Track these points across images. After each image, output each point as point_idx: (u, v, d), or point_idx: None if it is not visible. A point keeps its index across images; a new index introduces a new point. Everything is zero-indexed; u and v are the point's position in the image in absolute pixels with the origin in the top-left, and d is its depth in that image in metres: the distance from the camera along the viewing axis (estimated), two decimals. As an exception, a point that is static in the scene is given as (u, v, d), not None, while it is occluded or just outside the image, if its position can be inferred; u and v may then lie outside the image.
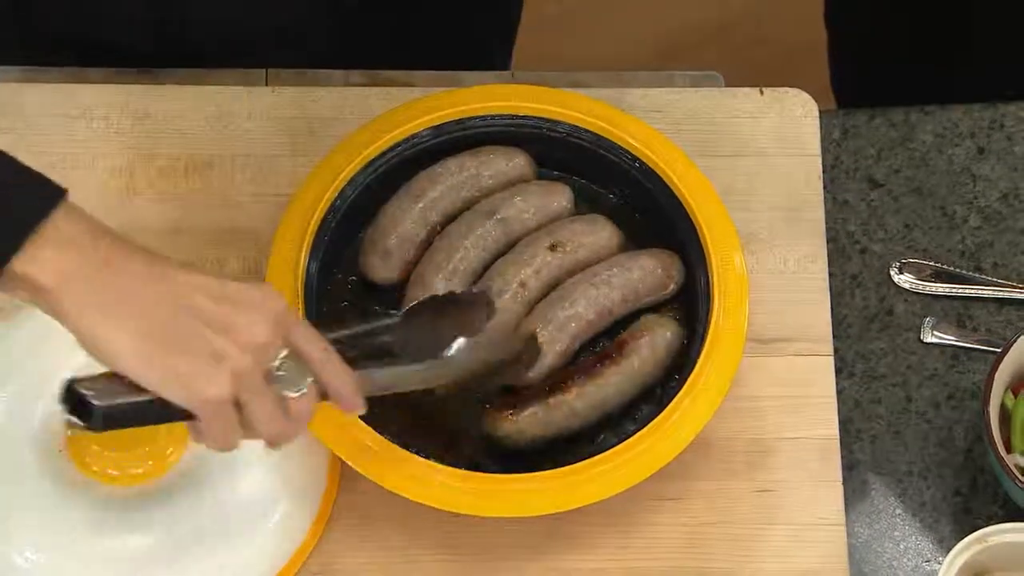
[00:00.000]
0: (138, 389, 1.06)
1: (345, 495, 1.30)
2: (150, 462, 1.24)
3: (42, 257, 1.02)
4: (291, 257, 1.32)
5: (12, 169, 1.04)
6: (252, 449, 1.25)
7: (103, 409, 1.06)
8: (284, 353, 1.09)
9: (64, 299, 1.03)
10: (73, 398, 1.07)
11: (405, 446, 1.26)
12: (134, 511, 1.23)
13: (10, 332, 1.28)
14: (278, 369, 1.09)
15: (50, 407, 1.25)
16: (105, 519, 1.23)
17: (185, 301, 1.06)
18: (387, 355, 1.21)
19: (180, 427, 1.23)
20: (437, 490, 1.25)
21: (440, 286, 1.32)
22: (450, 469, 1.25)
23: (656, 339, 1.30)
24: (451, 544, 1.29)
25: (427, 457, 1.26)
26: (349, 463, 1.26)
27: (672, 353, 1.31)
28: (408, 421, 1.29)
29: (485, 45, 1.68)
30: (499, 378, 1.28)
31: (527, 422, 1.28)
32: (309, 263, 1.32)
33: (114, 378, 1.07)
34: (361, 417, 1.25)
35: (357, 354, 1.15)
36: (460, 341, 1.22)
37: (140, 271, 1.05)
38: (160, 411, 1.07)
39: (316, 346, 1.11)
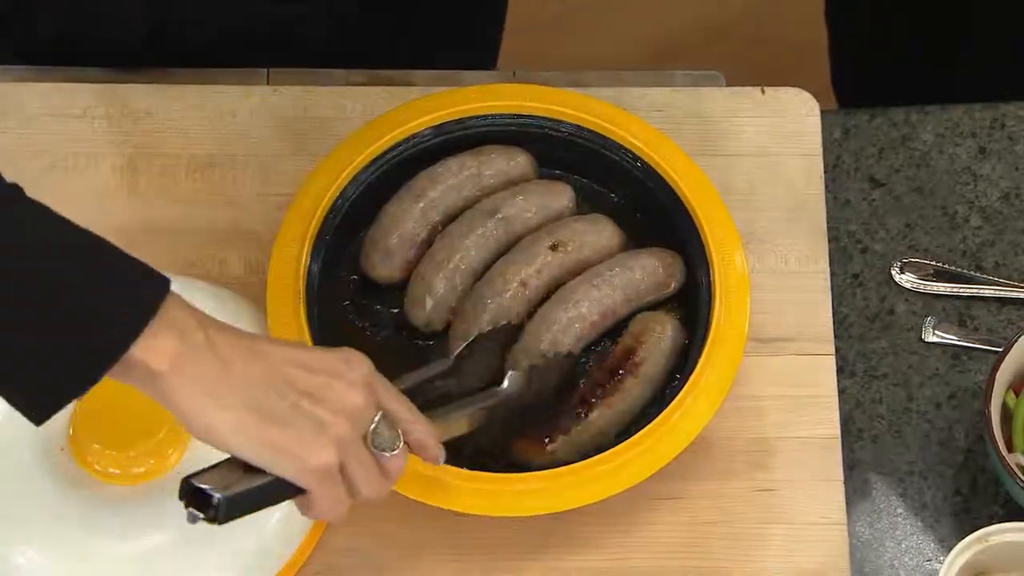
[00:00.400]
0: (252, 473, 1.09)
1: (346, 494, 1.30)
2: (151, 461, 1.24)
3: (156, 345, 1.04)
4: (292, 257, 1.32)
5: (123, 259, 1.07)
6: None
7: (224, 500, 1.09)
8: (378, 417, 1.12)
9: (175, 382, 1.06)
10: (192, 493, 1.10)
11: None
12: (135, 511, 1.23)
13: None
14: (375, 431, 1.12)
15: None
16: (106, 519, 1.23)
17: (282, 376, 1.09)
18: (446, 399, 1.25)
19: (182, 427, 1.24)
20: (438, 489, 1.25)
21: (440, 285, 1.32)
22: (452, 468, 1.25)
23: (661, 339, 1.30)
24: (452, 543, 1.29)
25: (459, 457, 1.26)
26: (350, 463, 1.26)
27: (675, 350, 1.31)
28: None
29: (478, 41, 1.68)
30: (545, 399, 1.30)
31: (562, 451, 1.28)
32: (310, 263, 1.32)
33: (226, 467, 1.10)
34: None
35: (421, 403, 1.19)
36: (511, 374, 1.27)
37: (239, 351, 1.08)
38: (276, 491, 1.10)
39: (403, 406, 1.15)
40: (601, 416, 1.28)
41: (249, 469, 1.09)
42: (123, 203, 1.40)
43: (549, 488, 1.25)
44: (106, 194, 1.41)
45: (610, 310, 1.33)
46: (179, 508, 1.23)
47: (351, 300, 1.36)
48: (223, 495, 1.09)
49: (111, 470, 1.24)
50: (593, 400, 1.29)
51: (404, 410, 1.15)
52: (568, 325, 1.32)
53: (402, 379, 1.21)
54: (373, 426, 1.12)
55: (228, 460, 1.10)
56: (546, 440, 1.28)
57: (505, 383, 1.27)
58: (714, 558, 1.30)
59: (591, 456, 1.26)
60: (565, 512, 1.26)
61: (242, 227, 1.39)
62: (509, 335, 1.31)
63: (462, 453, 1.25)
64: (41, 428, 1.24)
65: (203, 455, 1.24)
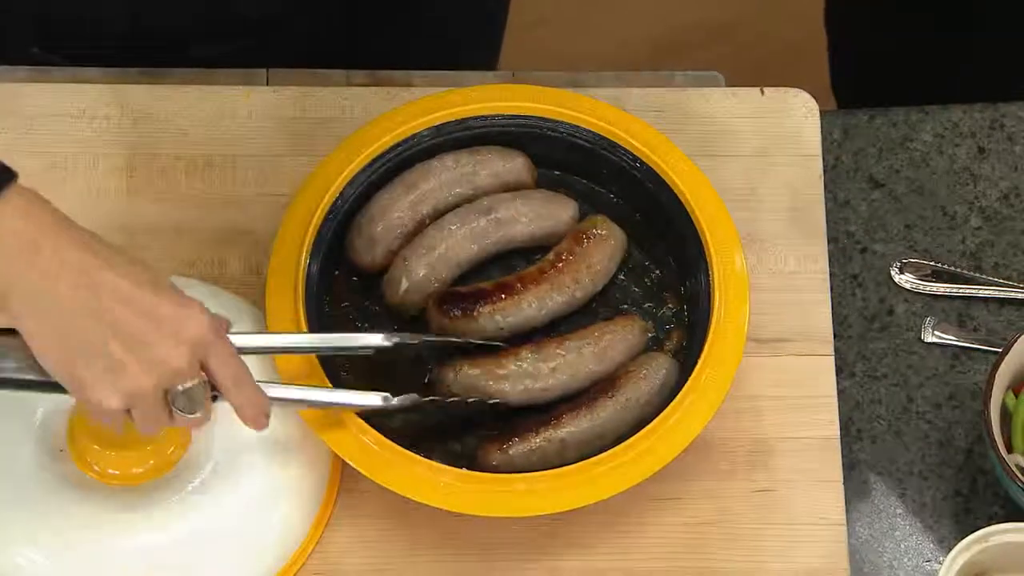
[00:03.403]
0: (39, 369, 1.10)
1: (346, 495, 1.30)
2: (151, 462, 1.24)
3: None
4: (292, 257, 1.32)
5: None
6: (253, 450, 1.26)
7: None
8: (192, 383, 1.11)
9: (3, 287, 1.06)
10: None
11: (405, 445, 1.26)
12: (135, 511, 1.23)
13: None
14: (180, 392, 1.11)
15: (52, 408, 1.25)
16: (106, 519, 1.23)
17: (105, 311, 1.07)
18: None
19: (182, 428, 1.24)
20: (438, 490, 1.25)
21: (421, 270, 1.33)
22: (451, 469, 1.25)
23: (652, 375, 1.30)
24: (452, 544, 1.29)
25: (426, 456, 1.26)
26: (351, 463, 1.26)
27: (668, 389, 1.30)
28: (403, 418, 1.30)
29: (478, 41, 1.68)
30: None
31: (519, 455, 1.27)
32: (310, 263, 1.32)
33: (23, 346, 1.09)
34: (362, 417, 1.25)
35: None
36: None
37: (72, 272, 1.06)
38: (54, 389, 1.12)
39: (229, 371, 1.13)
40: (570, 433, 1.28)
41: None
42: (123, 203, 1.40)
43: (549, 489, 1.25)
44: (106, 194, 1.41)
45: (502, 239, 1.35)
46: (180, 508, 1.24)
47: (351, 300, 1.36)
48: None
49: (110, 471, 1.24)
50: (564, 416, 1.28)
51: (229, 375, 1.13)
52: (424, 195, 1.35)
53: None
54: (181, 388, 1.11)
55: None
56: (502, 444, 1.27)
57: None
58: (713, 558, 1.30)
59: (551, 467, 1.26)
60: (565, 513, 1.26)
61: (242, 227, 1.39)
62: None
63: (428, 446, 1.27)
64: (42, 429, 1.25)
65: (203, 455, 1.25)
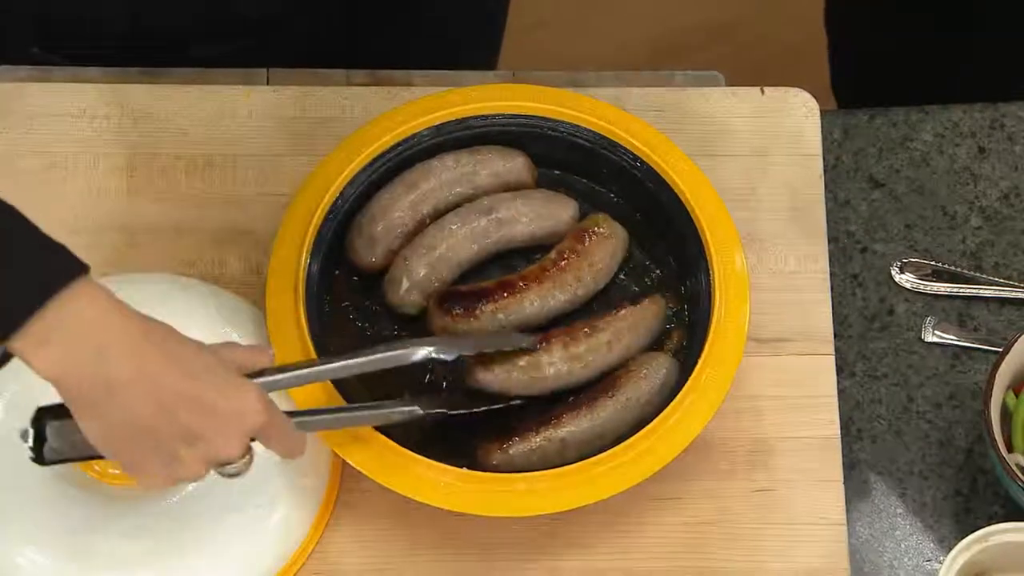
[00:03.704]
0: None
1: (346, 495, 1.30)
2: (151, 462, 1.24)
3: (41, 352, 1.03)
4: (292, 257, 1.32)
5: (31, 238, 1.04)
6: (254, 449, 1.26)
7: (54, 455, 1.13)
8: (240, 461, 1.13)
9: (57, 385, 1.06)
10: (40, 424, 1.13)
11: (405, 444, 1.26)
12: (135, 511, 1.23)
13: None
14: (231, 468, 1.14)
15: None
16: (106, 519, 1.23)
17: (166, 411, 1.08)
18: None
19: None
20: (438, 490, 1.25)
21: (421, 270, 1.33)
22: (452, 469, 1.25)
23: (652, 374, 1.30)
24: (452, 544, 1.29)
25: (427, 455, 1.26)
26: (351, 463, 1.26)
27: (668, 388, 1.30)
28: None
29: (479, 41, 1.68)
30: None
31: (519, 455, 1.27)
32: (310, 263, 1.32)
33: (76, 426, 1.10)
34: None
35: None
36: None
37: (129, 371, 1.06)
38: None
39: (279, 446, 1.15)
40: (570, 432, 1.28)
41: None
42: (123, 203, 1.40)
43: (549, 488, 1.25)
44: (106, 194, 1.41)
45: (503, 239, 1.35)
46: (180, 508, 1.24)
47: (351, 300, 1.36)
48: (56, 456, 1.13)
49: (111, 470, 1.24)
50: (564, 415, 1.28)
51: (277, 443, 1.15)
52: (424, 195, 1.36)
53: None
54: (231, 468, 1.13)
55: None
56: (502, 445, 1.27)
57: (406, 407, 1.26)
58: (713, 558, 1.30)
59: (551, 467, 1.26)
60: (565, 512, 1.26)
61: (242, 227, 1.39)
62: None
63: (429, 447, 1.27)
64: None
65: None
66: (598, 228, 1.34)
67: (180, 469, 1.10)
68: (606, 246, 1.34)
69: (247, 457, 1.13)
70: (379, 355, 1.23)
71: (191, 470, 1.10)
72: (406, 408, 1.25)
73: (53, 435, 1.12)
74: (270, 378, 1.17)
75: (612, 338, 1.30)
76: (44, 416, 1.13)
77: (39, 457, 1.13)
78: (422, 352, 1.24)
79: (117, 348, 1.05)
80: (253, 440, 1.13)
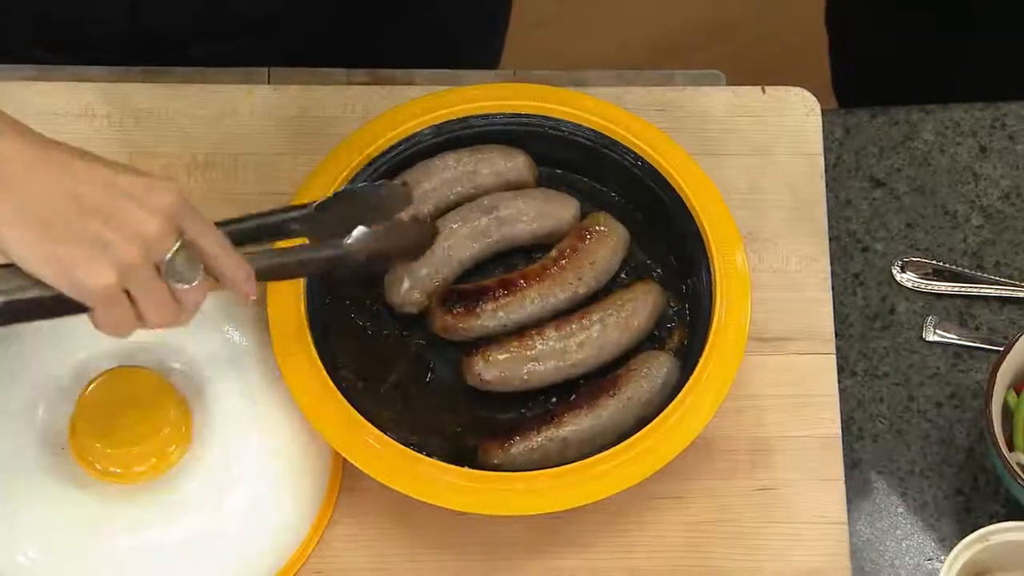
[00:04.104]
0: (37, 284, 1.08)
1: (347, 494, 1.30)
2: (152, 460, 1.24)
3: None
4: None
5: None
6: (254, 449, 1.26)
7: (4, 304, 1.09)
8: (176, 246, 1.10)
9: None
10: None
11: (406, 443, 1.26)
12: (136, 510, 1.23)
13: (13, 332, 1.28)
14: (170, 261, 1.11)
15: (53, 406, 1.25)
16: (107, 518, 1.23)
17: (73, 188, 1.07)
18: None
19: (182, 426, 1.24)
20: (439, 489, 1.25)
21: (423, 270, 1.32)
22: (453, 467, 1.25)
23: (653, 373, 1.30)
24: (453, 543, 1.29)
25: (428, 455, 1.26)
26: (351, 461, 1.26)
27: (669, 388, 1.30)
28: (404, 416, 1.31)
29: (480, 41, 1.68)
30: (395, 261, 1.30)
31: (520, 454, 1.27)
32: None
33: (11, 271, 1.09)
34: (362, 413, 1.25)
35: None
36: (359, 230, 1.24)
37: (32, 156, 1.06)
38: (59, 304, 1.10)
39: (209, 239, 1.13)
40: (572, 431, 1.28)
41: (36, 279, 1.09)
42: (124, 202, 1.40)
43: (550, 488, 1.25)
44: (107, 193, 1.40)
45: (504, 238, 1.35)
46: (181, 507, 1.24)
47: (352, 299, 1.36)
48: (6, 299, 1.09)
49: (112, 469, 1.24)
50: (566, 414, 1.28)
51: (211, 243, 1.13)
52: (425, 194, 1.33)
53: (250, 215, 1.22)
54: (168, 255, 1.10)
55: (12, 265, 1.09)
56: (504, 444, 1.27)
57: (350, 238, 1.24)
58: (715, 557, 1.30)
59: (552, 466, 1.26)
60: (566, 511, 1.26)
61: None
62: (372, 196, 1.29)
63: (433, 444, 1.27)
64: (44, 428, 1.24)
65: (206, 452, 1.25)
66: (598, 226, 1.34)
67: (110, 251, 1.07)
68: (607, 244, 1.34)
69: (181, 246, 1.10)
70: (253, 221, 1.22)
71: (122, 251, 1.07)
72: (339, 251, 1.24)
73: None
74: None
75: (605, 316, 1.30)
76: None
77: None
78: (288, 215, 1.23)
79: (13, 142, 1.06)
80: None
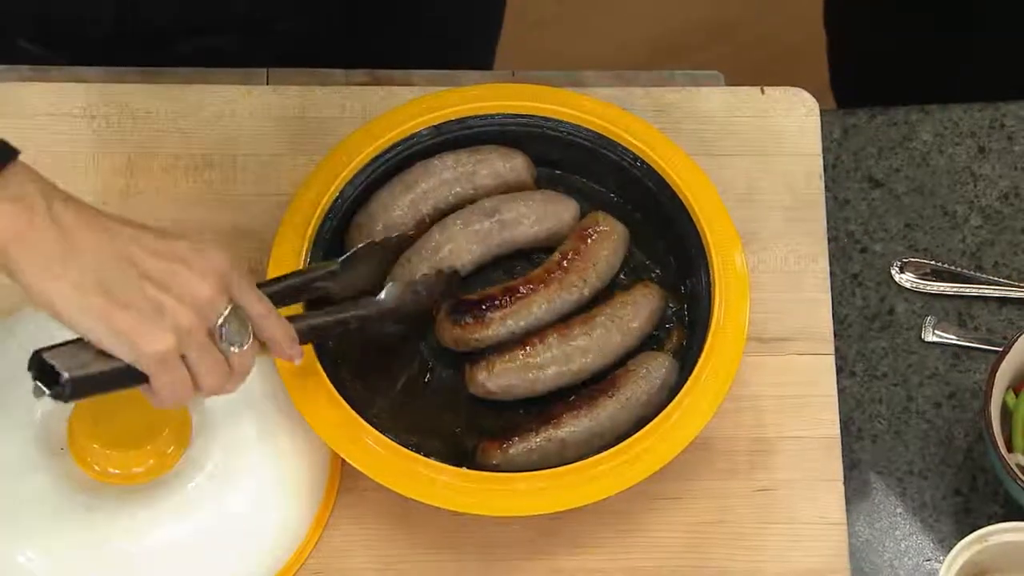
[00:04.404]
0: (103, 357, 1.09)
1: (345, 495, 1.30)
2: (151, 461, 1.24)
3: None
4: (292, 257, 1.32)
5: None
6: (252, 450, 1.26)
7: (71, 380, 1.10)
8: (227, 310, 1.12)
9: (16, 253, 1.06)
10: (41, 368, 1.10)
11: (405, 444, 1.26)
12: (134, 511, 1.23)
13: (11, 332, 1.28)
14: (221, 325, 1.12)
15: (52, 407, 1.25)
16: (105, 518, 1.23)
17: (128, 255, 1.08)
18: (327, 302, 1.28)
19: (181, 427, 1.24)
20: (438, 489, 1.25)
21: (423, 270, 1.33)
22: (452, 468, 1.25)
23: (652, 374, 1.30)
24: (452, 543, 1.29)
25: (427, 455, 1.26)
26: (350, 462, 1.26)
27: (668, 388, 1.30)
28: (402, 416, 1.31)
29: (477, 41, 1.68)
30: (423, 311, 1.32)
31: (519, 454, 1.27)
32: (310, 263, 1.32)
33: (78, 345, 1.10)
34: (361, 414, 1.25)
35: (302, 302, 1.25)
36: (389, 286, 1.29)
37: (85, 224, 1.07)
38: (124, 375, 1.11)
39: (256, 303, 1.14)
40: (570, 433, 1.28)
41: (99, 351, 1.09)
42: (123, 203, 1.40)
43: (549, 488, 1.25)
44: (106, 194, 1.40)
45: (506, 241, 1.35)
46: (179, 508, 1.24)
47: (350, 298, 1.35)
48: (71, 374, 1.09)
49: (111, 470, 1.24)
50: (564, 415, 1.28)
51: (258, 305, 1.14)
52: (424, 195, 1.34)
53: (287, 278, 1.24)
54: (221, 320, 1.11)
55: (79, 339, 1.10)
56: (502, 444, 1.27)
57: (383, 294, 1.28)
58: (714, 558, 1.30)
59: (550, 467, 1.26)
60: (565, 512, 1.26)
61: (242, 227, 1.39)
62: (400, 246, 1.33)
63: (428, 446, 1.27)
64: (42, 428, 1.24)
65: (203, 455, 1.25)
66: (598, 226, 1.34)
67: (167, 317, 1.08)
68: (608, 243, 1.34)
69: (233, 309, 1.12)
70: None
71: (178, 316, 1.09)
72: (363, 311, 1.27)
73: (59, 361, 1.10)
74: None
75: (606, 320, 1.30)
76: (40, 354, 1.11)
77: (60, 390, 1.10)
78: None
79: (64, 201, 1.07)
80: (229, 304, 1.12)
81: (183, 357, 1.11)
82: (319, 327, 1.25)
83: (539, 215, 1.36)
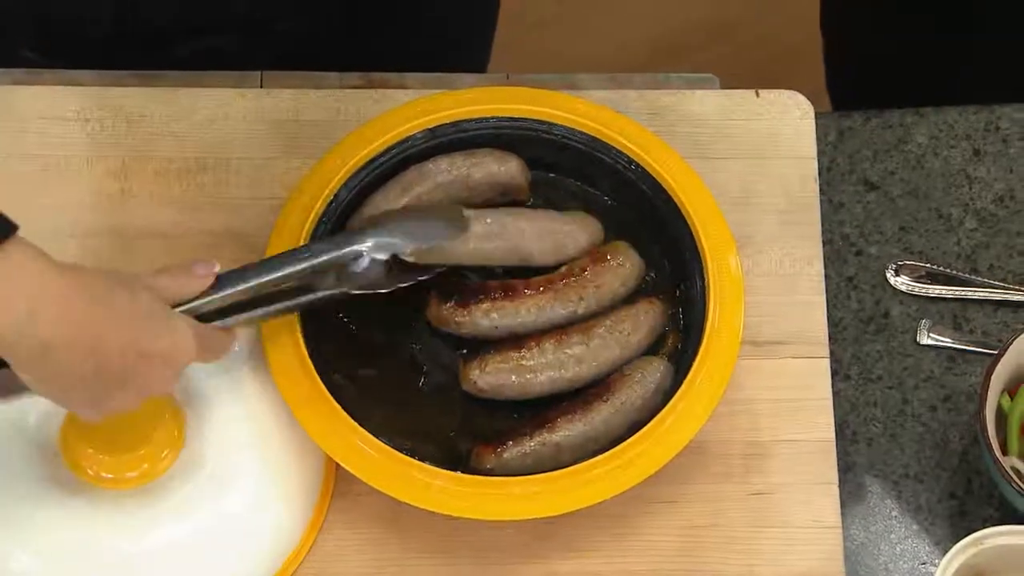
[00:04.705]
0: None
1: (340, 498, 1.30)
2: (145, 466, 1.24)
3: None
4: (286, 260, 1.32)
5: None
6: (246, 455, 1.26)
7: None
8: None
9: None
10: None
11: (399, 448, 1.26)
12: (128, 515, 1.23)
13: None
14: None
15: (45, 412, 1.25)
16: (99, 523, 1.23)
17: (106, 365, 1.10)
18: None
19: (175, 431, 1.24)
20: (432, 493, 1.24)
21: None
22: (446, 472, 1.25)
23: (646, 378, 1.29)
24: (446, 548, 1.29)
25: (421, 459, 1.26)
26: (345, 466, 1.25)
27: (662, 392, 1.29)
28: (396, 420, 1.30)
29: (470, 43, 1.68)
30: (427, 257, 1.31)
31: (513, 459, 1.27)
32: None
33: None
34: (354, 417, 1.25)
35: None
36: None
37: (67, 332, 1.08)
38: None
39: (210, 357, 1.21)
40: (565, 437, 1.27)
41: None
42: (117, 206, 1.40)
43: (544, 492, 1.25)
44: (100, 197, 1.40)
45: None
46: (173, 512, 1.24)
47: (344, 302, 1.35)
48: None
49: (104, 475, 1.24)
50: (559, 419, 1.28)
51: (206, 358, 1.19)
52: (418, 198, 1.35)
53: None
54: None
55: None
56: (497, 448, 1.27)
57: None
58: (708, 561, 1.30)
59: (545, 471, 1.25)
60: (560, 516, 1.26)
61: (235, 230, 1.39)
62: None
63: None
64: (36, 433, 1.24)
65: (197, 460, 1.25)
66: (617, 258, 1.33)
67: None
68: (618, 275, 1.33)
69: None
70: (309, 261, 1.24)
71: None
72: (329, 292, 1.26)
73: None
74: (202, 300, 1.19)
75: (605, 332, 1.30)
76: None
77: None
78: (355, 248, 1.26)
79: (49, 310, 1.06)
80: None
81: None
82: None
83: (555, 245, 1.35)
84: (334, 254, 1.26)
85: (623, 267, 1.34)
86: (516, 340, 1.31)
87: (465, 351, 1.32)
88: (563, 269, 1.34)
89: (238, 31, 1.50)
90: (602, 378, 1.31)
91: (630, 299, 1.34)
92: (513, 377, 1.29)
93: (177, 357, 1.15)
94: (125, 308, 1.12)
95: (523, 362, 1.29)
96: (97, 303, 1.10)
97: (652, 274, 1.37)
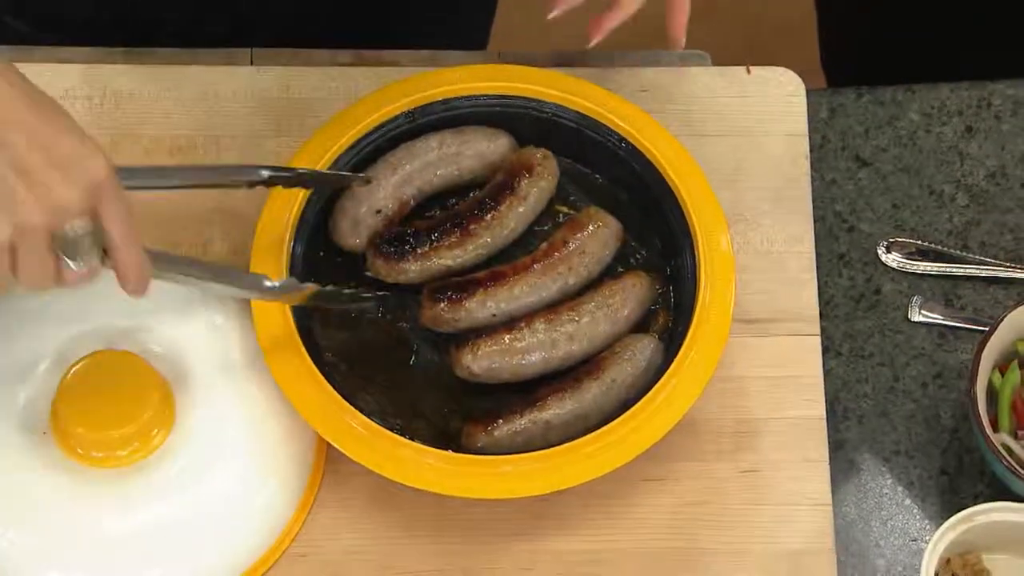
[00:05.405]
0: None
1: (331, 477, 1.30)
2: (135, 444, 1.24)
3: None
4: (276, 238, 1.32)
5: None
6: (237, 433, 1.26)
7: None
8: (82, 226, 1.08)
9: None
10: None
11: (390, 427, 1.26)
12: (118, 494, 1.23)
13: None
14: (71, 240, 1.08)
15: (34, 391, 1.25)
16: (89, 502, 1.23)
17: (8, 141, 1.05)
18: None
19: (165, 410, 1.24)
20: (424, 472, 1.24)
21: (363, 210, 1.34)
22: (437, 451, 1.25)
23: (637, 356, 1.29)
24: (437, 526, 1.29)
25: (411, 438, 1.26)
26: (336, 445, 1.25)
27: (653, 370, 1.30)
28: (387, 398, 1.30)
29: (466, 22, 1.67)
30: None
31: (504, 437, 1.27)
32: (294, 245, 1.32)
33: None
34: (345, 397, 1.25)
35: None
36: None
37: None
38: None
39: (118, 223, 1.10)
40: (555, 414, 1.27)
41: None
42: (107, 185, 1.40)
43: (535, 470, 1.25)
44: (90, 176, 1.40)
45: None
46: (164, 490, 1.24)
47: (334, 282, 1.35)
48: None
49: (94, 453, 1.24)
50: (549, 397, 1.28)
51: (119, 226, 1.10)
52: (409, 176, 1.36)
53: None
54: (71, 232, 1.07)
55: None
56: (487, 427, 1.27)
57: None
58: (700, 539, 1.30)
59: (534, 449, 1.25)
60: (551, 494, 1.26)
61: (226, 208, 1.39)
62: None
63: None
64: (25, 412, 1.24)
65: (187, 438, 1.25)
66: (591, 222, 1.33)
67: (15, 209, 1.05)
68: (598, 238, 1.33)
69: (89, 229, 1.08)
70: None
71: (27, 213, 1.05)
72: (280, 283, 1.26)
73: None
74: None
75: (594, 308, 1.30)
76: None
77: None
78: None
79: None
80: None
81: (12, 251, 1.07)
82: (177, 273, 1.22)
83: (476, 151, 1.36)
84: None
85: (602, 229, 1.34)
86: (505, 322, 1.31)
87: (461, 339, 1.32)
88: (544, 245, 1.34)
89: (230, 10, 1.49)
90: (593, 356, 1.30)
91: (618, 275, 1.34)
92: (506, 359, 1.29)
93: (86, 163, 1.07)
94: (41, 100, 1.07)
95: (515, 343, 1.29)
96: (15, 82, 1.06)
97: (643, 252, 1.37)
